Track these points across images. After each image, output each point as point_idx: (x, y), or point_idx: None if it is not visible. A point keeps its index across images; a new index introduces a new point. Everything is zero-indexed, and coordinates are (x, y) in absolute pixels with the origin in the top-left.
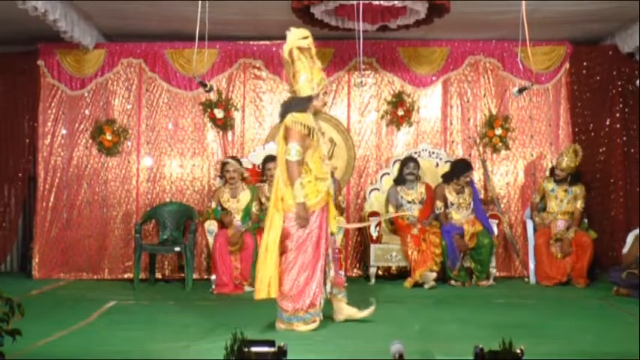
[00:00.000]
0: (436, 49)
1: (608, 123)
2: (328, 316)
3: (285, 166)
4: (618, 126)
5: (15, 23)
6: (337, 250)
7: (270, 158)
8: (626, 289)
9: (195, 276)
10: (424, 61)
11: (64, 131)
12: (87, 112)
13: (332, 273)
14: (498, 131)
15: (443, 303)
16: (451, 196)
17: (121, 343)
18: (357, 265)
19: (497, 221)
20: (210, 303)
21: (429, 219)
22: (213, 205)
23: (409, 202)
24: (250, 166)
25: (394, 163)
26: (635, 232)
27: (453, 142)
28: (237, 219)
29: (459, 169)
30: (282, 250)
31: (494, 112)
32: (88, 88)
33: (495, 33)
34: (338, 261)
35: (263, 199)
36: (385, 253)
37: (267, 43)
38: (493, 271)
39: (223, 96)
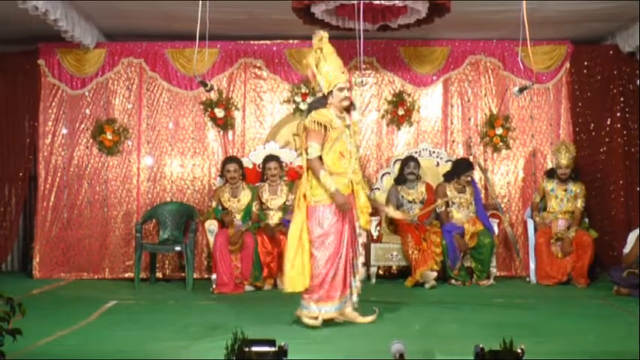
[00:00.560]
0: (437, 48)
1: (608, 122)
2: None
3: (307, 164)
4: (619, 125)
5: (15, 23)
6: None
7: (270, 158)
8: (627, 288)
9: (195, 275)
10: (425, 61)
11: (64, 131)
12: (87, 111)
13: (356, 282)
14: (499, 131)
15: (443, 302)
16: (452, 196)
17: (121, 343)
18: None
19: (497, 221)
20: (211, 302)
21: (430, 218)
22: (214, 204)
23: (410, 202)
24: (251, 166)
25: (395, 162)
26: (636, 231)
27: (453, 141)
28: (238, 218)
29: (461, 168)
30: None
31: (494, 111)
32: (88, 88)
33: (496, 32)
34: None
35: (264, 199)
36: (386, 253)
37: (268, 42)
38: (494, 270)
39: (224, 95)
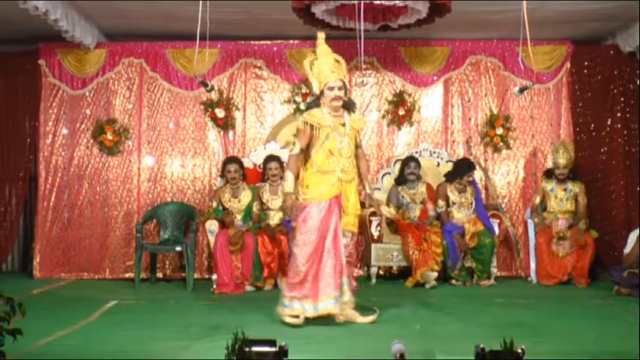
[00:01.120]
0: (437, 48)
1: (609, 122)
2: (329, 316)
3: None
4: (619, 125)
5: (16, 23)
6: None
7: (271, 158)
8: (627, 288)
9: (196, 276)
10: (425, 61)
11: (65, 131)
12: (88, 111)
13: (347, 280)
14: (499, 131)
15: (444, 303)
16: (453, 196)
17: (121, 343)
18: (358, 265)
19: (498, 221)
20: (211, 303)
21: (430, 218)
22: (215, 204)
23: (410, 202)
24: (251, 166)
25: (395, 162)
26: (636, 231)
27: (454, 141)
28: (238, 219)
29: (462, 168)
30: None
31: (495, 111)
32: (89, 88)
33: (496, 32)
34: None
35: (264, 199)
36: (386, 253)
37: (268, 42)
38: (494, 270)
39: (224, 96)
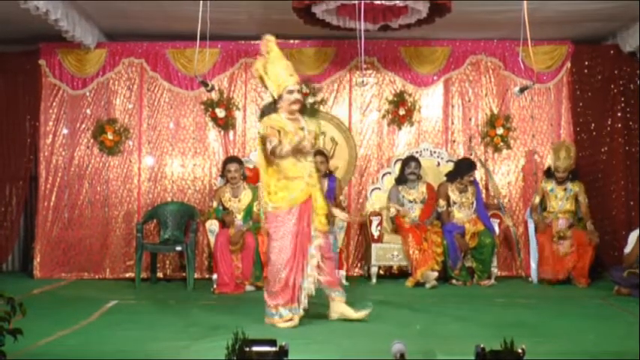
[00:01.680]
0: (437, 48)
1: (609, 122)
2: (326, 316)
3: (265, 166)
4: (619, 125)
5: (16, 23)
6: (338, 250)
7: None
8: (627, 288)
9: (196, 275)
10: (425, 61)
11: (65, 131)
12: (88, 111)
13: (318, 274)
14: (500, 130)
15: (444, 302)
16: (454, 195)
17: (122, 343)
18: (359, 265)
19: (498, 221)
20: (212, 302)
21: (431, 218)
22: (215, 204)
23: (410, 202)
24: (252, 166)
25: (395, 162)
26: (637, 231)
27: (454, 141)
28: (239, 218)
29: (463, 168)
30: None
31: (495, 111)
32: (89, 88)
33: (497, 32)
34: (339, 261)
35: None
36: (386, 253)
37: None
38: (494, 270)
39: (225, 95)
